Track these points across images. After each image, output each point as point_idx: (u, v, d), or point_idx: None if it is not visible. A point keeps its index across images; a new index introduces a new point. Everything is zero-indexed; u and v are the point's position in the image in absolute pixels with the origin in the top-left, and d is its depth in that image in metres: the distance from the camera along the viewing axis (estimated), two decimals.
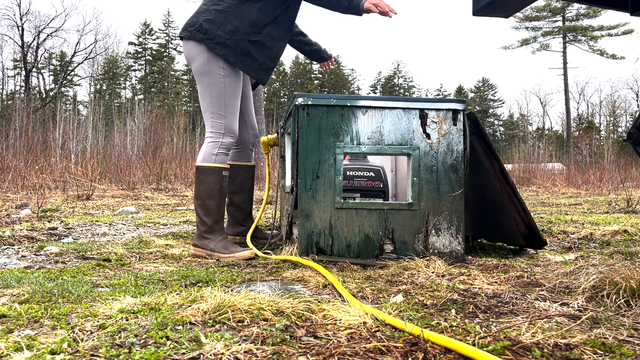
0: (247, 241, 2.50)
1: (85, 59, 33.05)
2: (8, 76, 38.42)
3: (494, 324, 1.20)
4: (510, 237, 2.39)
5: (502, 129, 48.85)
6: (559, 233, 3.10)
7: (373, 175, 2.45)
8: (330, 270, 1.88)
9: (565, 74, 36.10)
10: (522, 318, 1.25)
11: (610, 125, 41.91)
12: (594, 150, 26.69)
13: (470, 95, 48.06)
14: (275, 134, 2.91)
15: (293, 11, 2.46)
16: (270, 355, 0.95)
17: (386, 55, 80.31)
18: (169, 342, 1.01)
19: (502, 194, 2.32)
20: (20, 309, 1.27)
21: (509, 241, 2.46)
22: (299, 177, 2.14)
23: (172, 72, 42.52)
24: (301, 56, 32.74)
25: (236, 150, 2.64)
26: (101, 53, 34.62)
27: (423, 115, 2.18)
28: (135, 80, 44.56)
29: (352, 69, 56.78)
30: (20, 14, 29.58)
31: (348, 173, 2.42)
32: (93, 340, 1.02)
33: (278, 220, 2.89)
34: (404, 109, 2.18)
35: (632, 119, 37.09)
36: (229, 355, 0.94)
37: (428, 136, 2.18)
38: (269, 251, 2.36)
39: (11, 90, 38.50)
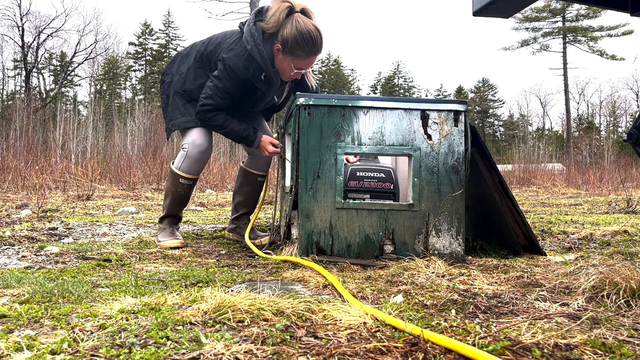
0: (246, 241, 2.55)
1: (85, 59, 33.05)
2: (8, 76, 38.49)
3: (494, 324, 1.19)
4: (510, 247, 2.40)
5: (502, 129, 48.82)
6: (559, 233, 3.10)
7: (384, 176, 2.42)
8: (331, 271, 1.88)
9: (565, 75, 36.10)
10: (522, 318, 1.25)
11: (610, 125, 41.91)
12: (594, 150, 26.66)
13: (470, 95, 48.03)
14: (275, 134, 2.92)
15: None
16: (271, 356, 0.95)
17: (386, 55, 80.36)
18: (169, 342, 1.01)
19: (502, 206, 2.32)
20: (21, 309, 1.27)
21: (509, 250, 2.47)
22: (299, 177, 2.14)
23: None
24: None
25: (250, 157, 2.87)
26: (101, 53, 34.59)
27: (424, 116, 2.18)
28: (136, 80, 44.57)
29: (352, 69, 56.83)
30: (20, 14, 29.60)
31: (358, 174, 2.40)
32: (93, 340, 1.02)
33: (277, 220, 2.90)
34: (405, 109, 2.18)
35: (632, 119, 37.06)
36: (229, 356, 0.94)
37: (429, 137, 2.18)
38: (269, 251, 2.37)
39: (11, 91, 38.56)
